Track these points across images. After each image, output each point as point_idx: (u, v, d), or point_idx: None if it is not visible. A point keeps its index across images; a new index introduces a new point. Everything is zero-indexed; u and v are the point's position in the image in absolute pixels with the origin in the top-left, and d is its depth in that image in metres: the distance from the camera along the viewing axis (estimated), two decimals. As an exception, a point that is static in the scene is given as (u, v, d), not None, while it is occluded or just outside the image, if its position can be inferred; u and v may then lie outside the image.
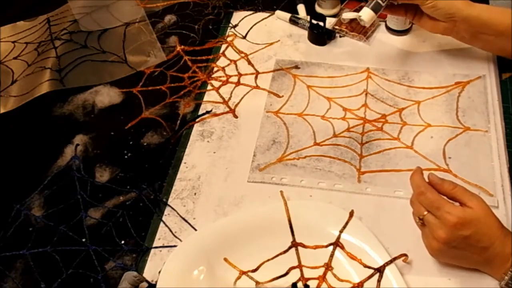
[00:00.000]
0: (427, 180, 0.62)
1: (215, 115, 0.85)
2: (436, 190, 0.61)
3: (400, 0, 0.79)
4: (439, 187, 0.61)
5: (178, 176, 0.77)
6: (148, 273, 0.67)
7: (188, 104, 0.87)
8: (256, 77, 0.91)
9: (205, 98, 0.88)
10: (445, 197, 0.60)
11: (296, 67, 0.91)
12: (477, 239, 0.58)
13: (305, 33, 0.96)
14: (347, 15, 0.85)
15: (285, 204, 0.69)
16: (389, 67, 0.88)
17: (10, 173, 0.82)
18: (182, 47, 0.98)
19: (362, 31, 0.94)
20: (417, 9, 0.80)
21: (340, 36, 0.96)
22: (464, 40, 0.82)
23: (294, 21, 0.99)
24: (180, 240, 0.69)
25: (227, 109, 0.86)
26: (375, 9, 0.78)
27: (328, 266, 0.64)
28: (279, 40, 0.97)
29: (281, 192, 0.72)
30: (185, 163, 0.79)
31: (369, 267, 0.62)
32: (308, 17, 0.96)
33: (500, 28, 0.76)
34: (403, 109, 0.82)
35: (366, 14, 0.78)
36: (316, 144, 0.79)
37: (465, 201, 0.59)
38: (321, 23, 0.92)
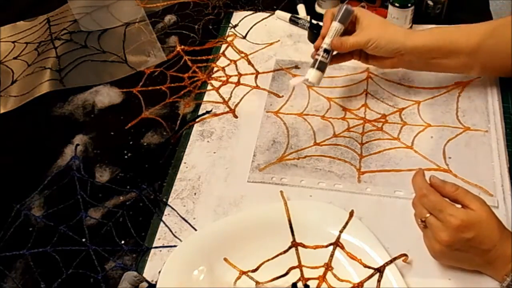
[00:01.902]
0: (428, 182, 0.62)
1: (215, 115, 0.85)
2: (438, 192, 0.61)
3: (343, 50, 0.77)
4: (441, 189, 0.61)
5: (178, 176, 0.77)
6: (148, 273, 0.67)
7: (188, 104, 0.87)
8: (256, 77, 0.91)
9: (205, 98, 0.88)
10: (447, 199, 0.60)
11: (296, 67, 0.91)
12: (479, 241, 0.58)
13: (305, 33, 0.96)
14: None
15: (285, 204, 0.69)
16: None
17: (10, 173, 0.82)
18: (182, 47, 0.98)
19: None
20: (362, 51, 0.79)
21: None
22: (417, 68, 0.81)
23: (294, 21, 0.99)
24: (180, 240, 0.69)
25: (227, 109, 0.86)
26: (321, 68, 0.75)
27: (328, 266, 0.64)
28: (279, 40, 0.97)
29: (281, 192, 0.72)
30: (185, 163, 0.79)
31: (369, 267, 0.62)
32: (308, 17, 0.96)
33: (448, 49, 0.75)
34: (403, 109, 0.82)
35: (313, 76, 0.75)
36: (316, 144, 0.79)
37: (467, 203, 0.59)
38: (321, 23, 0.92)
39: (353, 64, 0.89)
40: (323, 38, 0.76)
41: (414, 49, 0.75)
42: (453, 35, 0.75)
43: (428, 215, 0.60)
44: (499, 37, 0.74)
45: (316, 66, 0.75)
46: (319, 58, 0.75)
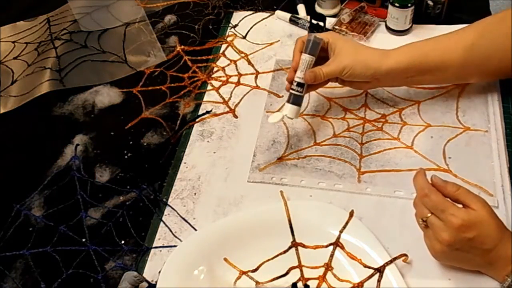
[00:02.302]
0: (430, 181, 0.62)
1: (215, 115, 0.85)
2: (439, 192, 0.61)
3: (317, 82, 0.74)
4: (442, 189, 0.61)
5: (178, 176, 0.77)
6: (148, 273, 0.67)
7: (188, 104, 0.87)
8: (256, 77, 0.91)
9: (205, 98, 0.88)
10: (449, 199, 0.60)
11: (296, 67, 0.91)
12: (480, 242, 0.58)
13: (305, 33, 0.96)
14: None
15: (285, 204, 0.69)
16: (389, 67, 0.88)
17: (10, 173, 0.82)
18: (182, 47, 0.98)
19: (362, 31, 0.94)
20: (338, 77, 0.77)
21: (340, 36, 0.96)
22: (398, 86, 0.80)
23: (294, 21, 0.99)
24: (180, 240, 0.69)
25: (227, 109, 0.86)
26: (297, 102, 0.74)
27: (328, 266, 0.64)
28: (279, 40, 0.97)
29: (281, 192, 0.72)
30: (185, 163, 0.79)
31: (369, 267, 0.62)
32: (308, 17, 0.96)
33: (423, 66, 0.74)
34: (403, 109, 0.82)
35: (290, 111, 0.74)
36: (316, 144, 0.79)
37: (469, 203, 0.58)
38: (321, 23, 0.92)
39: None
40: (295, 71, 0.74)
41: (389, 71, 0.74)
42: (431, 52, 0.74)
43: (429, 214, 0.60)
44: (492, 36, 0.73)
45: (291, 101, 0.74)
46: (294, 92, 0.74)
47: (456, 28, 0.78)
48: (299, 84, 0.74)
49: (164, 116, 0.86)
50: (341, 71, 0.73)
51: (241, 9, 1.05)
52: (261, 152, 0.79)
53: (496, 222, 0.58)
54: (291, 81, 0.75)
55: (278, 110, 0.82)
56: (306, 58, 0.74)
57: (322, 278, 0.63)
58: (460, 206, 0.59)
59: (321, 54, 0.75)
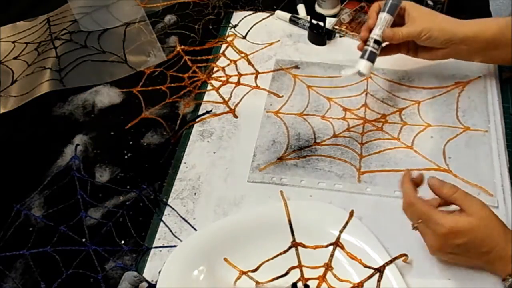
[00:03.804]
0: (426, 181, 0.62)
1: (215, 115, 0.85)
2: (436, 193, 0.61)
3: (395, 41, 0.76)
4: (438, 191, 0.61)
5: (178, 176, 0.77)
6: (148, 273, 0.67)
7: (188, 104, 0.87)
8: (256, 77, 0.91)
9: (205, 98, 0.88)
10: (434, 208, 0.60)
11: (296, 67, 0.91)
12: (475, 246, 0.58)
13: (305, 33, 0.96)
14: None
15: (285, 204, 0.69)
16: (389, 67, 0.88)
17: (10, 173, 0.82)
18: (182, 47, 0.98)
19: (362, 31, 0.94)
20: (411, 43, 0.79)
21: (340, 36, 0.96)
22: (464, 58, 0.80)
23: (294, 21, 0.99)
24: (180, 240, 0.69)
25: (227, 109, 0.86)
26: (371, 58, 0.75)
27: (328, 266, 0.64)
28: (279, 40, 0.97)
29: (281, 192, 0.72)
30: (185, 163, 0.79)
31: (369, 267, 0.62)
32: (308, 17, 0.96)
33: (497, 40, 0.75)
34: (403, 109, 0.82)
35: (364, 67, 0.74)
36: (316, 144, 0.79)
37: (465, 207, 0.58)
38: (321, 23, 0.92)
39: (353, 64, 0.89)
40: (369, 30, 0.76)
41: (465, 39, 0.75)
42: (505, 27, 0.74)
43: (419, 221, 0.60)
44: None
45: (366, 56, 0.75)
46: (369, 48, 0.75)
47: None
48: (376, 42, 0.75)
49: (164, 116, 0.86)
50: (419, 33, 0.74)
51: (241, 9, 1.05)
52: (261, 152, 0.79)
53: (495, 224, 0.58)
54: (364, 40, 0.76)
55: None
56: (385, 16, 0.75)
57: (322, 278, 0.63)
58: (452, 208, 0.59)
59: (396, 21, 0.77)
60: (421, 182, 0.63)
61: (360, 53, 0.77)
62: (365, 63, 0.75)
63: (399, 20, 0.77)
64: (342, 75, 0.76)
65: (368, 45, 0.75)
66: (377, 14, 0.77)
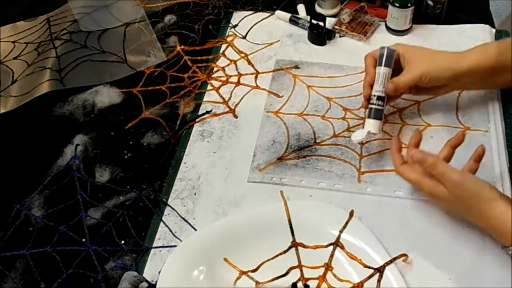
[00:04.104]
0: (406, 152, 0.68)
1: (215, 115, 0.85)
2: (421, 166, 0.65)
3: (398, 93, 0.75)
4: (420, 164, 0.65)
5: (178, 176, 0.77)
6: (148, 273, 0.67)
7: (188, 104, 0.87)
8: (256, 77, 0.91)
9: (205, 98, 0.88)
10: (418, 175, 0.65)
11: (296, 67, 0.91)
12: (459, 208, 0.63)
13: (305, 33, 0.96)
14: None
15: (285, 204, 0.69)
16: (389, 67, 0.88)
17: (10, 173, 0.82)
18: (182, 47, 0.98)
19: (362, 31, 0.94)
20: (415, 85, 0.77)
21: (340, 36, 0.96)
22: (468, 89, 0.80)
23: (294, 21, 0.99)
24: (180, 240, 0.69)
25: (227, 109, 0.86)
26: (379, 116, 0.74)
27: (328, 266, 0.64)
28: (279, 40, 0.97)
29: (281, 192, 0.72)
30: (185, 163, 0.79)
31: (369, 267, 0.62)
32: (308, 17, 0.96)
33: (498, 65, 0.73)
34: (403, 109, 0.82)
35: (373, 126, 0.73)
36: (316, 144, 0.79)
37: (443, 183, 0.62)
38: (321, 23, 0.92)
39: (353, 64, 0.89)
40: (370, 86, 0.75)
41: (466, 72, 0.73)
42: (506, 51, 0.73)
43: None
44: None
45: (373, 116, 0.74)
46: (374, 107, 0.74)
47: (456, 28, 0.78)
48: (379, 98, 0.74)
49: (164, 116, 0.86)
50: (420, 77, 0.73)
51: (241, 9, 1.05)
52: (261, 152, 0.79)
53: (473, 202, 0.60)
54: (367, 98, 0.75)
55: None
56: (383, 71, 0.74)
57: (322, 278, 0.63)
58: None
59: (393, 67, 0.75)
60: (419, 141, 0.69)
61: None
62: (373, 122, 0.74)
63: (396, 65, 0.75)
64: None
65: (373, 104, 0.74)
66: (374, 67, 0.75)
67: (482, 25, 0.93)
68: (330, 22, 0.96)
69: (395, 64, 0.75)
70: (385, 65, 0.74)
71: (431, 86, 0.75)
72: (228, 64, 0.94)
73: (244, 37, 0.99)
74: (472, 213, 0.62)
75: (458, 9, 0.97)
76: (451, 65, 0.73)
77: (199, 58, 0.96)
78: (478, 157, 0.65)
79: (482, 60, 0.73)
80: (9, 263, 0.70)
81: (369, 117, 0.74)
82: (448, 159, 0.66)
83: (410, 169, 0.66)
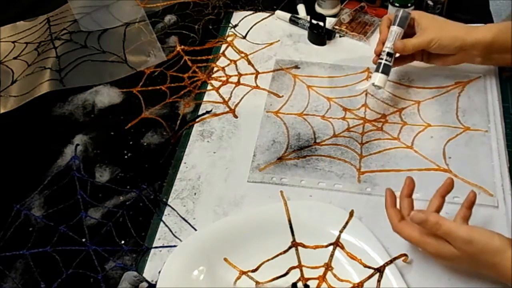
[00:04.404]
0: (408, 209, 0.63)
1: (215, 115, 0.85)
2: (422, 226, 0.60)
3: (406, 52, 0.79)
4: (422, 226, 0.59)
5: (178, 176, 0.77)
6: (148, 273, 0.67)
7: (188, 104, 0.87)
8: (256, 77, 0.91)
9: (205, 98, 0.88)
10: (417, 234, 0.60)
11: (296, 67, 0.91)
12: (467, 264, 0.59)
13: (305, 33, 0.96)
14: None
15: (285, 204, 0.69)
16: (389, 67, 0.88)
17: (10, 173, 0.82)
18: (182, 47, 0.98)
19: (362, 31, 0.94)
20: (424, 51, 0.80)
21: (340, 36, 0.96)
22: (477, 62, 0.80)
23: (294, 21, 0.99)
24: (180, 240, 0.69)
25: (227, 109, 0.86)
26: (386, 71, 0.78)
27: (328, 266, 0.64)
28: (279, 40, 0.97)
29: (281, 192, 0.72)
30: (185, 163, 0.79)
31: (369, 267, 0.62)
32: (308, 17, 0.96)
33: (508, 43, 0.75)
34: (403, 109, 0.82)
35: (379, 80, 0.77)
36: (316, 144, 0.79)
37: (451, 242, 0.58)
38: (321, 23, 0.92)
39: (353, 64, 0.89)
40: (383, 43, 0.79)
41: (475, 43, 0.76)
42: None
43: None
44: None
45: (380, 70, 0.77)
46: (383, 61, 0.78)
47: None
48: (388, 54, 0.78)
49: (164, 116, 0.86)
50: (429, 42, 0.76)
51: (241, 9, 1.05)
52: (261, 152, 0.79)
53: (482, 258, 0.57)
54: (378, 53, 0.79)
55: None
56: (395, 29, 0.78)
57: (322, 278, 0.63)
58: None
59: (407, 32, 0.79)
60: (412, 191, 0.65)
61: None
62: (380, 76, 0.77)
63: (410, 30, 0.80)
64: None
65: (382, 58, 0.78)
66: (388, 28, 0.80)
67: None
68: (330, 22, 0.96)
69: (410, 29, 0.79)
70: (398, 25, 0.78)
71: (440, 53, 0.78)
72: (228, 64, 0.94)
73: (244, 37, 0.99)
74: (483, 268, 0.58)
75: (458, 9, 0.97)
76: (461, 36, 0.76)
77: (199, 58, 0.96)
78: (471, 204, 0.62)
79: (486, 35, 0.76)
80: (9, 263, 0.70)
81: (376, 70, 0.78)
82: (439, 209, 0.63)
83: (410, 228, 0.61)
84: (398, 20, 0.79)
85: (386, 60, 0.78)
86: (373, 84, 0.77)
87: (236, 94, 0.88)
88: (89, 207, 0.75)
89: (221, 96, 0.88)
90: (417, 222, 0.59)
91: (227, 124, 0.84)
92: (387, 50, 0.78)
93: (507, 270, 0.55)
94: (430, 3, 0.93)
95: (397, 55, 0.80)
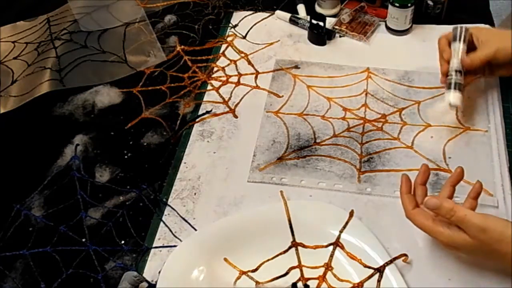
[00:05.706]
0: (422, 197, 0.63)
1: (215, 115, 0.85)
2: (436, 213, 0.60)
3: (474, 67, 0.77)
4: (436, 212, 0.59)
5: (178, 176, 0.77)
6: (148, 273, 0.67)
7: (188, 104, 0.87)
8: (256, 77, 0.91)
9: (205, 98, 0.88)
10: (430, 222, 0.60)
11: (296, 67, 0.91)
12: (480, 254, 0.58)
13: (305, 33, 0.96)
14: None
15: (285, 204, 0.69)
16: (389, 67, 0.88)
17: (10, 173, 0.82)
18: (182, 47, 0.98)
19: (362, 31, 0.94)
20: (486, 65, 0.78)
21: (340, 36, 0.96)
22: None
23: (294, 21, 0.99)
24: (180, 240, 0.69)
25: (227, 109, 0.86)
26: (459, 88, 0.76)
27: (328, 266, 0.64)
28: (279, 40, 0.97)
29: (281, 192, 0.72)
30: (185, 163, 0.79)
31: (369, 267, 0.62)
32: (308, 17, 0.96)
33: None
34: (403, 109, 0.82)
35: (453, 97, 0.75)
36: (316, 144, 0.79)
37: (464, 229, 0.57)
38: (321, 23, 0.92)
39: (353, 64, 0.89)
40: (448, 62, 0.77)
41: None
42: None
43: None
44: None
45: (454, 87, 0.76)
46: (453, 79, 0.76)
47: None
48: (457, 72, 0.76)
49: (164, 116, 0.86)
50: (494, 53, 0.75)
51: (241, 9, 1.05)
52: (261, 152, 0.79)
53: (495, 248, 0.56)
54: (445, 73, 0.77)
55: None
56: (460, 46, 0.77)
57: (322, 278, 0.63)
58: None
59: (467, 47, 0.77)
60: (427, 179, 0.64)
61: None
62: (453, 94, 0.75)
63: (469, 46, 0.78)
64: (448, 101, 0.76)
65: (451, 76, 0.76)
66: (449, 46, 0.78)
67: (482, 25, 0.93)
68: (330, 22, 0.96)
69: (469, 45, 0.77)
70: (460, 41, 0.77)
71: (505, 63, 0.77)
72: (228, 64, 0.94)
73: (244, 37, 0.99)
74: (496, 257, 0.57)
75: (458, 9, 0.97)
76: None
77: (199, 58, 0.96)
78: (477, 194, 0.62)
79: None
80: (9, 263, 0.70)
81: (449, 88, 0.76)
82: (450, 198, 0.63)
83: (423, 216, 0.61)
84: (461, 36, 0.77)
85: (456, 78, 0.76)
86: (449, 104, 0.75)
87: (236, 94, 0.88)
88: (89, 207, 0.75)
89: (221, 96, 0.88)
90: (431, 208, 0.59)
91: (227, 124, 0.84)
92: (454, 67, 0.76)
93: None
94: (430, 3, 0.94)
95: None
